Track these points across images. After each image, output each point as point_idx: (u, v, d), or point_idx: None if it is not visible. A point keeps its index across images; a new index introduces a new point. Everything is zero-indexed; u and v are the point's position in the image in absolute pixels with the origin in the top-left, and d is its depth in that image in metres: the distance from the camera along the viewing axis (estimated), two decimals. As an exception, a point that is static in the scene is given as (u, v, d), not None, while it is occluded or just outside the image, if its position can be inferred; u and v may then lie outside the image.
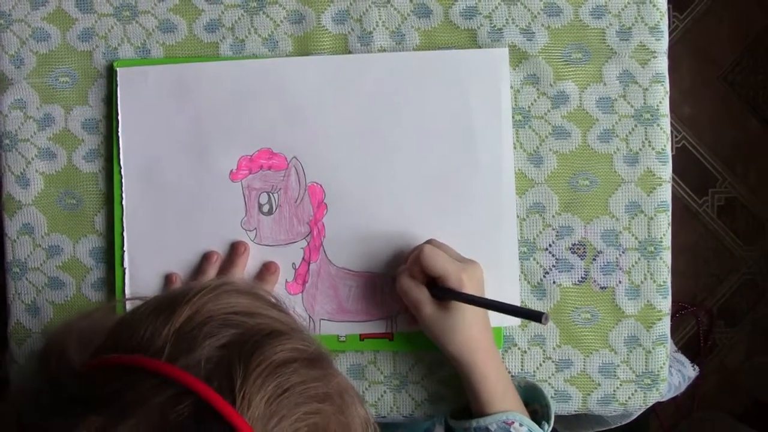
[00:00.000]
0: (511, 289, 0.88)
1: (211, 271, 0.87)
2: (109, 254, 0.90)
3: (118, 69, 0.89)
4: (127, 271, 0.89)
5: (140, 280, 0.89)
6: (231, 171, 0.89)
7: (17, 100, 0.91)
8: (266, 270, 0.88)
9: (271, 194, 0.89)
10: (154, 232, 0.89)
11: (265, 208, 0.89)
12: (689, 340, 1.80)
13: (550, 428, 0.82)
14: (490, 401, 0.80)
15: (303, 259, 0.88)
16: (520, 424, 0.79)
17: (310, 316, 0.88)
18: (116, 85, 0.89)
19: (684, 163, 1.72)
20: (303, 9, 0.90)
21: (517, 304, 0.88)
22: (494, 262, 0.87)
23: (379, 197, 0.88)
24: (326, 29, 0.89)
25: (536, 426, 0.80)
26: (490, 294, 0.82)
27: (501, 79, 0.88)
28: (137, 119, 0.89)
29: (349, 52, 0.89)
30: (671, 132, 1.70)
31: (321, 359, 0.53)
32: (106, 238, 0.90)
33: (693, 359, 1.74)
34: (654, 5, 0.88)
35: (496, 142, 0.87)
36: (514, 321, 0.88)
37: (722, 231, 1.77)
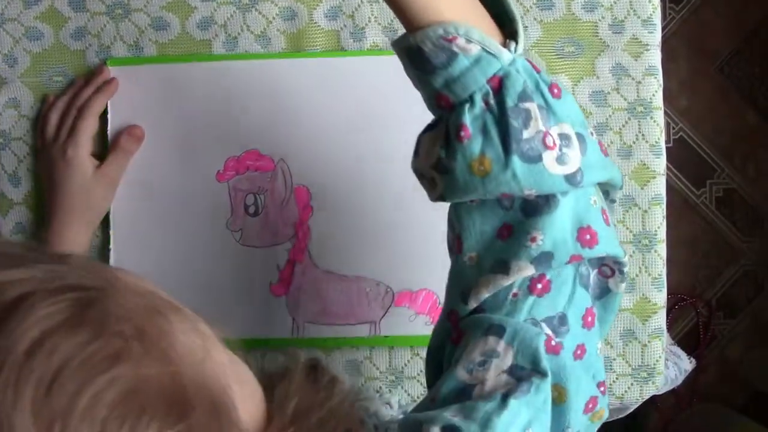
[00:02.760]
0: None
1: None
2: (98, 252, 0.90)
3: (109, 68, 0.89)
4: None
5: None
6: (218, 171, 0.89)
7: (11, 99, 0.91)
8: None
9: (257, 195, 0.89)
10: (140, 230, 0.89)
11: (251, 210, 0.89)
12: (689, 332, 1.80)
13: (520, 48, 0.57)
14: (422, 8, 0.55)
15: (288, 261, 0.88)
16: (468, 40, 0.54)
17: (293, 318, 0.88)
18: None
19: (682, 155, 1.71)
20: (295, 5, 0.89)
21: None
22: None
23: (365, 201, 0.88)
24: (319, 26, 0.89)
25: (492, 41, 0.55)
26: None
27: None
28: (127, 118, 0.89)
29: (342, 49, 0.89)
30: (669, 124, 1.71)
31: (92, 303, 0.36)
32: (94, 236, 0.90)
33: (692, 351, 1.74)
34: (647, -2, 0.88)
35: None
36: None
37: (721, 222, 1.77)
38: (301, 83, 0.88)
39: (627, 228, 0.88)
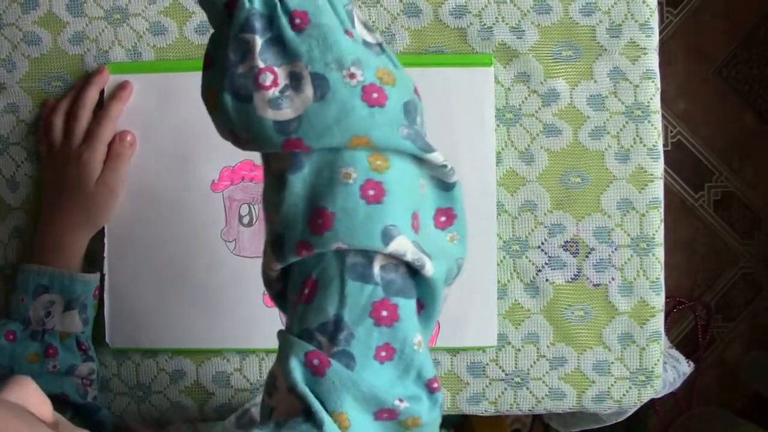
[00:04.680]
0: (487, 303, 0.87)
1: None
2: (92, 260, 0.90)
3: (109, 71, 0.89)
4: (106, 277, 0.89)
5: (118, 286, 0.89)
6: (213, 181, 0.88)
7: (10, 104, 0.91)
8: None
9: (252, 206, 0.88)
10: (133, 238, 0.89)
11: (246, 220, 0.88)
12: (687, 335, 1.80)
13: None
14: None
15: None
16: None
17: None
18: (104, 92, 0.89)
19: (680, 159, 1.71)
20: (293, 10, 0.89)
21: (494, 316, 0.87)
22: (471, 280, 0.86)
23: None
24: (316, 30, 0.89)
25: None
26: (464, 304, 0.82)
27: (485, 97, 0.87)
28: (122, 126, 0.88)
29: (340, 53, 0.89)
30: (667, 127, 1.71)
31: None
32: (90, 243, 0.90)
33: (691, 354, 1.74)
34: (644, 2, 0.88)
35: (478, 161, 0.87)
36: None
37: (719, 225, 1.77)
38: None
39: (625, 232, 0.88)
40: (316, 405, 0.47)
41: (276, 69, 0.48)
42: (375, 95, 0.48)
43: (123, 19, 0.90)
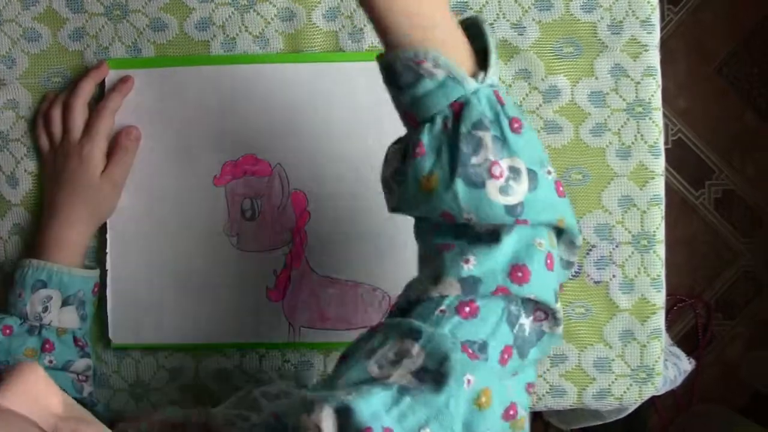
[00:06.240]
0: None
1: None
2: (94, 254, 0.90)
3: (108, 66, 0.89)
4: (109, 273, 0.89)
5: (122, 281, 0.89)
6: (215, 176, 0.88)
7: (9, 101, 0.91)
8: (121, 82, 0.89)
9: (254, 200, 0.88)
10: (136, 233, 0.89)
11: (248, 214, 0.88)
12: (687, 333, 1.80)
13: (491, 79, 0.59)
14: (402, 34, 0.58)
15: (285, 266, 0.88)
16: (435, 65, 0.57)
17: (290, 324, 0.88)
18: (105, 88, 0.89)
19: (680, 156, 1.71)
20: (293, 6, 0.89)
21: None
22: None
23: (362, 206, 0.87)
24: (317, 26, 0.89)
25: (459, 69, 0.57)
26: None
27: None
28: (124, 122, 0.88)
29: (341, 50, 0.89)
30: (667, 125, 1.71)
31: None
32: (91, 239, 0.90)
33: (691, 352, 1.74)
34: (645, -2, 0.88)
35: None
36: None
37: (719, 223, 1.77)
38: (299, 88, 0.88)
39: (626, 229, 0.88)
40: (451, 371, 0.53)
41: (500, 162, 0.57)
42: (561, 189, 0.60)
43: (123, 15, 0.90)
